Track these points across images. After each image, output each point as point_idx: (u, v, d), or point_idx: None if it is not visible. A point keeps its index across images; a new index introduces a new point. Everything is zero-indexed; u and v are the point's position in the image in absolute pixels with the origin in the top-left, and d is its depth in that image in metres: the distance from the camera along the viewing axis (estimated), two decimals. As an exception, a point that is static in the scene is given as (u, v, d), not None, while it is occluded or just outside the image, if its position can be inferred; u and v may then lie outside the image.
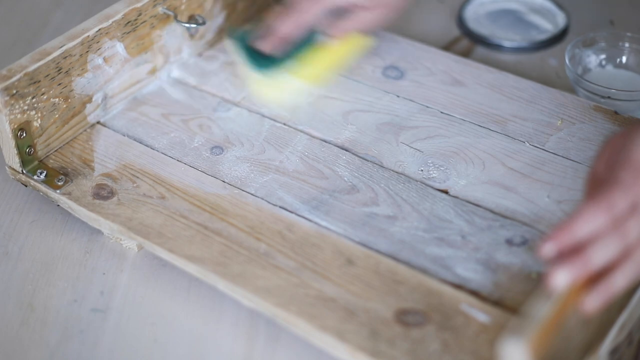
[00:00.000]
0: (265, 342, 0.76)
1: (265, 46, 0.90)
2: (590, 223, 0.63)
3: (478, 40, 1.05)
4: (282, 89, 0.91)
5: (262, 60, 0.90)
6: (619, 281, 0.63)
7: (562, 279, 0.61)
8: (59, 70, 0.86)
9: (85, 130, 0.91)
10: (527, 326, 0.60)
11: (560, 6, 1.07)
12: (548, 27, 1.06)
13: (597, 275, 0.63)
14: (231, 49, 0.94)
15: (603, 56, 0.98)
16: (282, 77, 0.90)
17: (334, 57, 0.92)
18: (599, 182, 0.67)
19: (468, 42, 1.05)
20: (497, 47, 1.04)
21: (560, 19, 1.06)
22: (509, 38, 1.04)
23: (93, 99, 0.91)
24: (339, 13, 0.90)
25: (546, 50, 1.03)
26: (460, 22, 1.07)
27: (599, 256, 0.62)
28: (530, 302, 0.62)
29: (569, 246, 0.63)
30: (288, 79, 0.91)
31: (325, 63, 0.92)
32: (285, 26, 0.89)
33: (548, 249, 0.63)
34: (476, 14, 1.08)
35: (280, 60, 0.90)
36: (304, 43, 0.91)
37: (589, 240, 0.62)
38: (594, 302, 0.62)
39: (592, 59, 0.98)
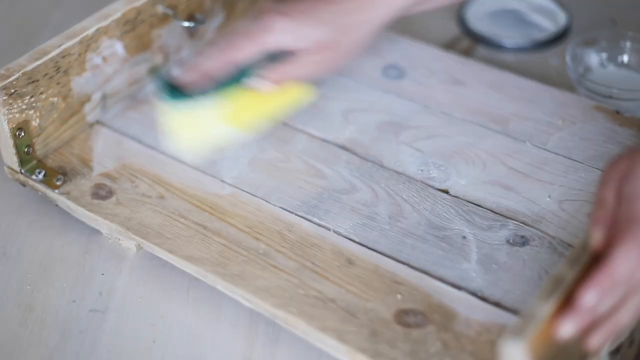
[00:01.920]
0: (265, 342, 0.76)
1: (185, 78, 0.80)
2: (597, 296, 0.61)
3: (479, 39, 1.04)
4: (198, 129, 0.81)
5: (179, 94, 0.80)
6: (623, 319, 0.62)
7: (567, 329, 0.61)
8: (57, 70, 0.86)
9: (84, 130, 0.91)
10: (528, 327, 0.59)
11: (561, 5, 1.07)
12: (549, 26, 1.06)
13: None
14: (153, 91, 0.84)
15: (604, 55, 0.98)
16: (199, 116, 0.80)
17: (265, 104, 0.82)
18: (610, 213, 0.64)
19: (469, 42, 1.05)
20: (498, 47, 1.03)
21: (561, 18, 1.05)
22: (510, 37, 1.04)
23: (92, 99, 0.91)
24: (280, 56, 0.80)
25: (547, 49, 1.03)
26: (461, 22, 1.07)
27: (627, 312, 0.62)
28: (530, 303, 0.62)
29: (588, 324, 0.62)
30: (206, 118, 0.80)
31: (254, 109, 0.82)
32: (212, 61, 0.79)
33: (568, 329, 0.61)
34: (477, 14, 1.07)
35: (199, 96, 0.79)
36: (231, 82, 0.80)
37: (602, 315, 0.62)
38: (597, 341, 0.62)
39: (594, 59, 0.98)
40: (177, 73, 0.81)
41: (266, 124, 0.84)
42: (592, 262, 0.62)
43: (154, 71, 0.87)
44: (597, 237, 0.63)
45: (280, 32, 0.78)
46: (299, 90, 0.82)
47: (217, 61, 0.79)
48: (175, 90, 0.80)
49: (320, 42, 0.79)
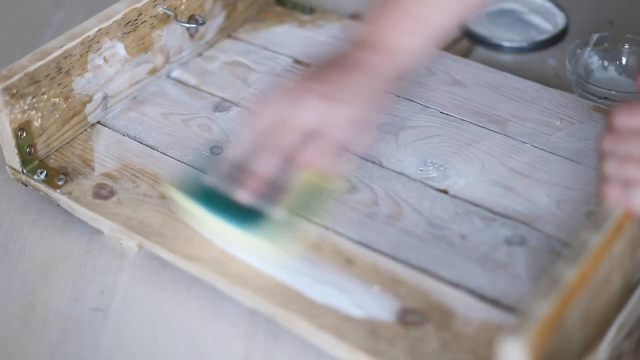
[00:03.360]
0: (265, 341, 0.76)
1: (245, 195, 0.74)
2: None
3: (478, 40, 1.05)
4: (289, 240, 0.76)
5: (244, 213, 0.74)
6: None
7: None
8: (59, 70, 0.86)
9: (85, 130, 0.91)
10: (526, 325, 0.60)
11: (559, 6, 1.07)
12: (548, 27, 1.06)
13: None
14: (180, 201, 0.78)
15: (603, 57, 0.98)
16: (286, 226, 0.75)
17: (313, 185, 0.77)
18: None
19: (468, 42, 1.05)
20: (497, 47, 1.04)
21: (560, 19, 1.06)
22: (508, 38, 1.04)
23: (93, 99, 0.91)
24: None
25: (546, 50, 1.03)
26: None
27: None
28: (529, 302, 0.62)
29: None
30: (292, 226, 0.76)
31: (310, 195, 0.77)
32: (269, 163, 0.73)
33: None
34: (477, 14, 1.08)
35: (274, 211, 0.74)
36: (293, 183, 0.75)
37: None
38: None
39: (592, 60, 0.98)
40: (239, 195, 0.75)
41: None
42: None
43: (180, 184, 0.78)
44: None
45: (318, 116, 0.74)
46: (330, 180, 0.78)
47: (274, 161, 0.74)
48: (234, 209, 0.75)
49: (353, 121, 0.75)
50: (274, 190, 0.75)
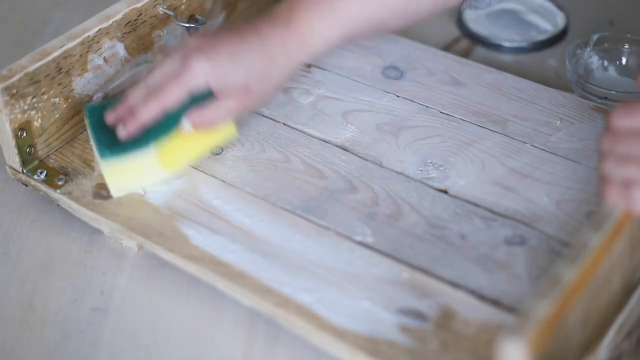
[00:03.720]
0: (265, 341, 0.76)
1: (123, 132, 0.82)
2: None
3: (478, 40, 1.05)
4: (131, 175, 0.83)
5: (114, 142, 0.82)
6: None
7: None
8: (59, 70, 0.86)
9: (85, 130, 0.91)
10: (526, 326, 0.60)
11: (559, 6, 1.07)
12: (547, 27, 1.06)
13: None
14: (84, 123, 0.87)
15: (603, 57, 0.98)
16: (134, 163, 0.83)
17: (192, 145, 0.84)
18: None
19: (468, 42, 1.05)
20: (497, 47, 1.04)
21: (560, 19, 1.06)
22: (508, 38, 1.04)
23: (93, 99, 0.91)
24: (202, 95, 0.82)
25: (546, 50, 1.03)
26: (460, 22, 1.07)
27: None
28: (529, 302, 0.62)
29: None
30: (140, 166, 0.83)
31: (182, 151, 0.84)
32: (145, 109, 0.81)
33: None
34: (476, 14, 1.08)
35: (134, 147, 0.82)
36: (162, 129, 0.82)
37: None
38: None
39: (592, 60, 0.98)
40: (110, 119, 0.83)
41: (190, 162, 0.86)
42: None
43: (86, 107, 0.87)
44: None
45: (202, 76, 0.80)
46: (221, 129, 0.84)
47: (150, 109, 0.81)
48: (108, 136, 0.83)
49: (237, 87, 0.82)
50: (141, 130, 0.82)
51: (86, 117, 0.86)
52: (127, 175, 0.83)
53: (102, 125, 0.84)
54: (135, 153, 0.82)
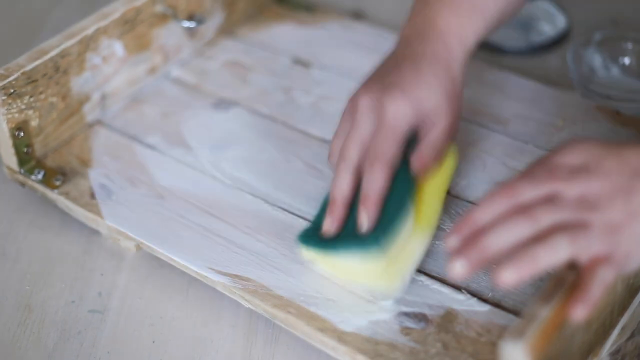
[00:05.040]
0: (264, 343, 0.76)
1: (364, 217, 0.71)
2: (490, 209, 0.61)
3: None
4: (406, 253, 0.73)
5: (358, 237, 0.71)
6: (540, 256, 0.59)
7: (458, 269, 0.60)
8: (56, 70, 0.86)
9: (83, 130, 0.91)
10: (528, 328, 0.59)
11: (561, 6, 1.07)
12: (549, 27, 1.05)
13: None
14: (307, 256, 0.75)
15: (606, 56, 0.98)
16: (400, 238, 0.71)
17: (434, 188, 0.76)
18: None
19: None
20: (498, 47, 1.03)
21: (562, 19, 1.05)
22: (510, 38, 1.04)
23: (91, 98, 0.91)
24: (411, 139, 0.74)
25: (548, 50, 1.03)
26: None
27: (496, 240, 0.60)
28: (531, 304, 0.61)
29: (471, 235, 0.61)
30: (405, 237, 0.72)
31: (431, 201, 0.75)
32: (376, 179, 0.71)
33: (452, 242, 0.61)
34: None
35: (386, 224, 0.70)
36: (396, 191, 0.72)
37: (488, 227, 0.61)
38: (510, 275, 0.59)
39: (595, 60, 0.97)
40: (330, 221, 0.73)
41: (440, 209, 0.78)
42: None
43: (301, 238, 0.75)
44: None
45: (404, 116, 0.72)
46: (445, 161, 0.77)
47: (378, 176, 0.71)
48: (355, 239, 0.71)
49: (434, 111, 0.74)
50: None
51: (308, 245, 0.74)
52: (399, 259, 0.73)
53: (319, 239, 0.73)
54: (395, 230, 0.71)
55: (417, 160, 0.74)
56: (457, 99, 0.76)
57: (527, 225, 0.60)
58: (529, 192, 0.61)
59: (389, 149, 0.71)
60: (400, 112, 0.72)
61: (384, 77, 0.74)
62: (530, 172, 0.63)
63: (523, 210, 0.61)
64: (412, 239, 0.73)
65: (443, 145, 0.75)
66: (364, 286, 0.73)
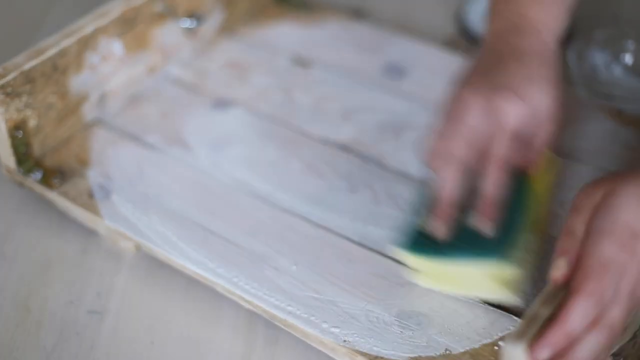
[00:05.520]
0: (264, 344, 0.75)
1: (485, 222, 0.69)
2: (583, 320, 0.59)
3: (479, 39, 1.04)
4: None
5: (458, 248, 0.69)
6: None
7: None
8: (55, 69, 0.86)
9: (82, 130, 0.91)
10: (530, 330, 0.59)
11: (562, 5, 1.06)
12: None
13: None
14: (405, 259, 0.72)
15: (608, 55, 0.97)
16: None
17: (542, 194, 0.74)
18: (576, 246, 0.63)
19: (469, 42, 1.04)
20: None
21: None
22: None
23: (90, 98, 0.90)
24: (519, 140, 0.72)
25: (548, 49, 1.03)
26: (462, 22, 1.06)
27: (585, 350, 0.60)
28: (532, 305, 0.61)
29: (563, 346, 0.60)
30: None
31: (539, 207, 0.73)
32: (494, 183, 0.69)
33: (545, 353, 0.59)
34: (477, 14, 1.07)
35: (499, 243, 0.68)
36: (514, 201, 0.69)
37: (580, 337, 0.60)
38: None
39: (597, 59, 0.97)
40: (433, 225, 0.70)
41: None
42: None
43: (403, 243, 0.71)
44: (560, 268, 0.62)
45: (521, 119, 0.70)
46: (547, 165, 0.76)
47: (495, 181, 0.69)
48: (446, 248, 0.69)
49: (548, 113, 0.73)
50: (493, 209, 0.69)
51: (418, 254, 0.71)
52: (518, 265, 0.70)
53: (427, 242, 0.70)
54: (514, 235, 0.69)
55: (529, 163, 0.72)
56: (559, 97, 0.74)
57: (607, 335, 0.60)
58: (610, 290, 0.60)
59: (507, 151, 0.70)
60: (515, 114, 0.70)
61: (489, 76, 0.72)
62: (605, 257, 0.60)
63: (603, 315, 0.60)
64: (528, 245, 0.71)
65: (548, 148, 0.73)
66: (479, 295, 0.71)
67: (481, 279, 0.69)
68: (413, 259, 0.71)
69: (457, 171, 0.70)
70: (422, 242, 0.70)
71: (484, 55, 0.75)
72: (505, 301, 0.71)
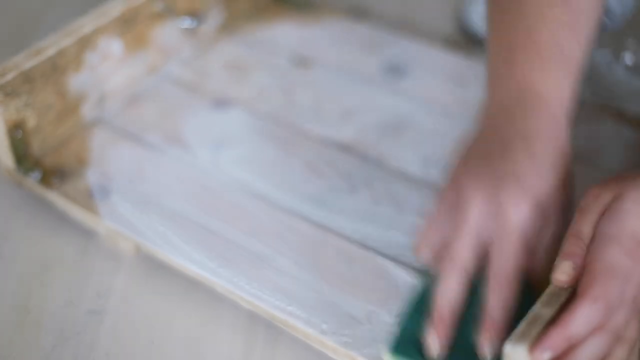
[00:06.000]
0: (264, 345, 0.75)
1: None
2: (587, 325, 0.59)
3: (480, 39, 1.04)
4: None
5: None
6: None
7: None
8: (54, 69, 0.85)
9: (81, 129, 0.91)
10: (532, 330, 0.59)
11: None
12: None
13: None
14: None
15: (608, 56, 0.97)
16: None
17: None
18: (583, 249, 0.61)
19: (470, 42, 1.04)
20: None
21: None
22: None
23: (90, 98, 0.90)
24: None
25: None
26: (462, 22, 1.06)
27: (587, 353, 0.59)
28: (535, 306, 0.61)
29: (564, 349, 0.59)
30: None
31: None
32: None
33: (545, 356, 0.58)
34: (478, 14, 1.07)
35: None
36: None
37: (582, 341, 0.59)
38: None
39: (599, 59, 0.97)
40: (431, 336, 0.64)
41: None
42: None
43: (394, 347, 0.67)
44: (565, 272, 0.61)
45: (529, 221, 0.63)
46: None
47: (504, 293, 0.63)
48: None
49: (556, 210, 0.66)
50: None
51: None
52: None
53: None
54: None
55: (534, 271, 0.65)
56: (571, 191, 0.67)
57: (610, 338, 0.60)
58: (617, 296, 0.59)
59: (516, 261, 0.63)
60: (523, 215, 0.63)
61: (492, 162, 0.65)
62: (612, 263, 0.60)
63: (608, 319, 0.59)
64: None
65: (557, 250, 0.64)
66: None
67: None
68: None
69: (459, 276, 0.64)
70: (410, 349, 0.66)
71: (485, 132, 0.69)
72: None
